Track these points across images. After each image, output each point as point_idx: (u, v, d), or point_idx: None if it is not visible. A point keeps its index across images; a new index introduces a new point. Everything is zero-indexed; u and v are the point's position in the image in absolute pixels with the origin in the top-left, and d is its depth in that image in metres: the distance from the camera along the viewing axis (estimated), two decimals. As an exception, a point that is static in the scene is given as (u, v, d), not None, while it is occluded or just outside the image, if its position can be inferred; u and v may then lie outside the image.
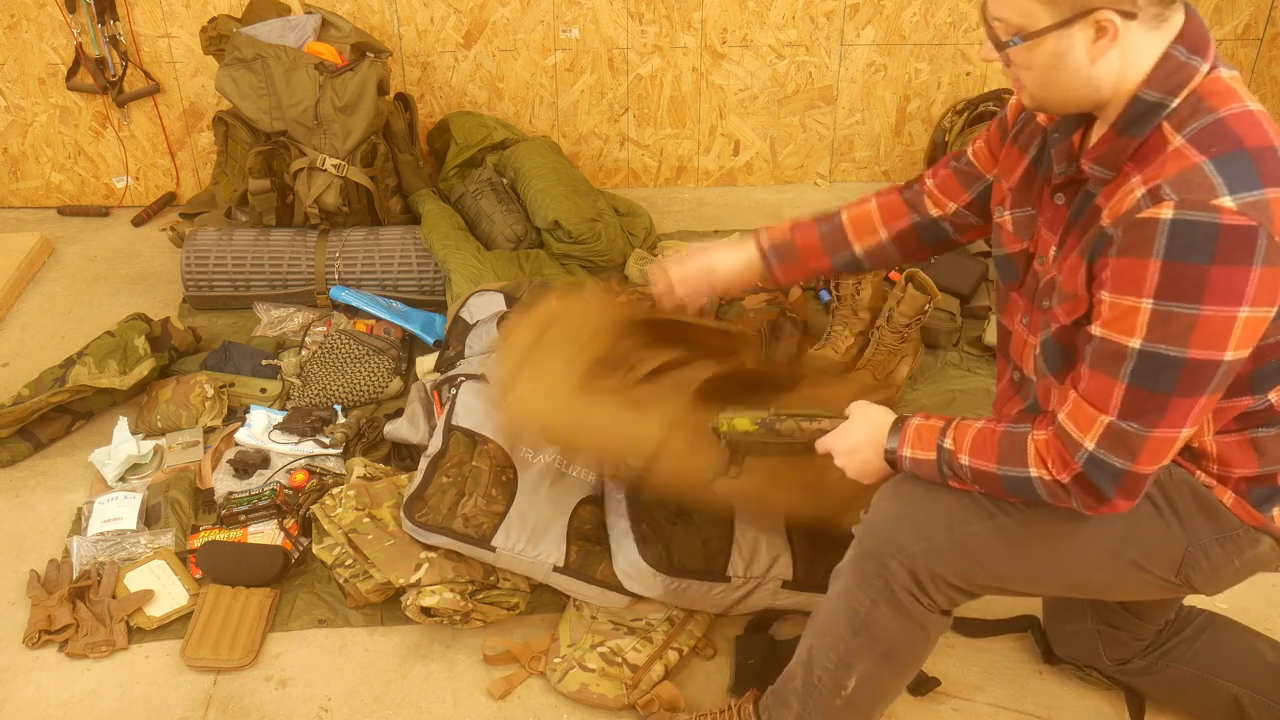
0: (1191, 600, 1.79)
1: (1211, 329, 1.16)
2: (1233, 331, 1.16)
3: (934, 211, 1.62)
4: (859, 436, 1.46)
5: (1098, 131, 1.30)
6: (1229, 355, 1.18)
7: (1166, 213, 1.14)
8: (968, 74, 3.35)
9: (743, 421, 1.51)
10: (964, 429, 1.37)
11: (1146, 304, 1.16)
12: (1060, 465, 1.27)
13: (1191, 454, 1.37)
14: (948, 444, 1.36)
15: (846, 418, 1.48)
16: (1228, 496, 1.37)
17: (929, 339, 2.66)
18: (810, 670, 1.51)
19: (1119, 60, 1.21)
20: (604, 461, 1.79)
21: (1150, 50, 1.21)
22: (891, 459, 1.43)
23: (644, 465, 1.70)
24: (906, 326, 2.49)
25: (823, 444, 1.50)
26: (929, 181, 1.64)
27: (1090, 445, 1.24)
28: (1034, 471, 1.29)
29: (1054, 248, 1.37)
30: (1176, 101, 1.21)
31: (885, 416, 1.45)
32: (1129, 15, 1.17)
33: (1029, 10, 1.20)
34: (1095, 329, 1.23)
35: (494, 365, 1.81)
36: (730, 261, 1.72)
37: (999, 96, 3.11)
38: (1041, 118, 1.43)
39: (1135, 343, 1.18)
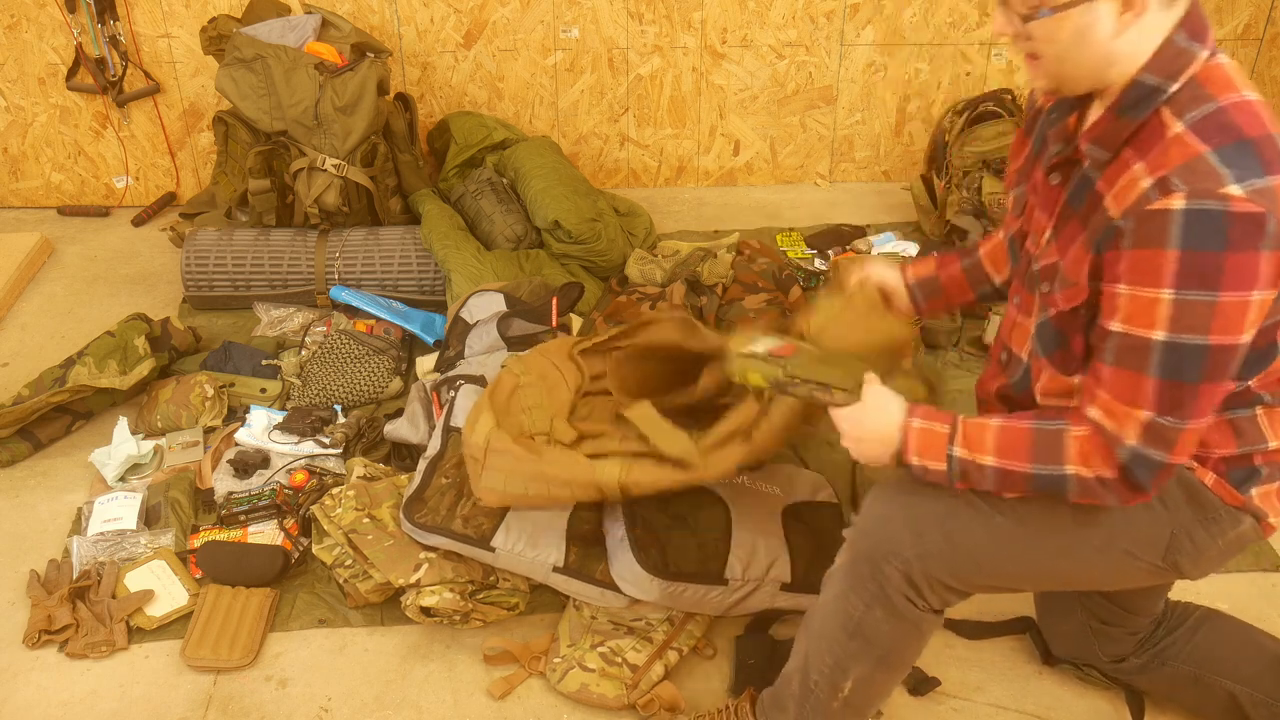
0: (1190, 597, 1.79)
1: (1229, 314, 1.17)
2: (1247, 315, 1.18)
3: None
4: (870, 428, 1.40)
5: (1095, 113, 1.32)
6: (1244, 338, 1.20)
7: (1178, 203, 1.16)
8: (967, 74, 3.35)
9: (755, 377, 1.46)
10: (978, 431, 1.34)
11: (1166, 294, 1.17)
12: (1103, 462, 1.27)
13: None
14: (959, 453, 1.34)
15: (859, 397, 1.41)
16: (1208, 477, 1.38)
17: (929, 339, 2.66)
18: (806, 675, 1.52)
19: (1137, 37, 1.22)
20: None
21: (1157, 32, 1.23)
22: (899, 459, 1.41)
23: (618, 498, 1.77)
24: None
25: (834, 415, 1.44)
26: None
27: (1132, 442, 1.24)
28: (1070, 469, 1.28)
29: (1049, 230, 1.38)
30: (1175, 86, 1.23)
31: (900, 412, 1.39)
32: None
33: None
34: (1114, 325, 1.23)
35: (464, 457, 1.91)
36: (885, 277, 1.73)
37: (999, 97, 3.11)
38: (1041, 99, 1.44)
39: (1160, 335, 1.19)
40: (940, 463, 1.35)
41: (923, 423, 1.37)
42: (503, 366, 2.02)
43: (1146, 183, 1.20)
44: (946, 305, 1.72)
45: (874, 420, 1.40)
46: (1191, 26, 1.23)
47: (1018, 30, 1.27)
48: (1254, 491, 1.39)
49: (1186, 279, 1.16)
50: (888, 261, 1.76)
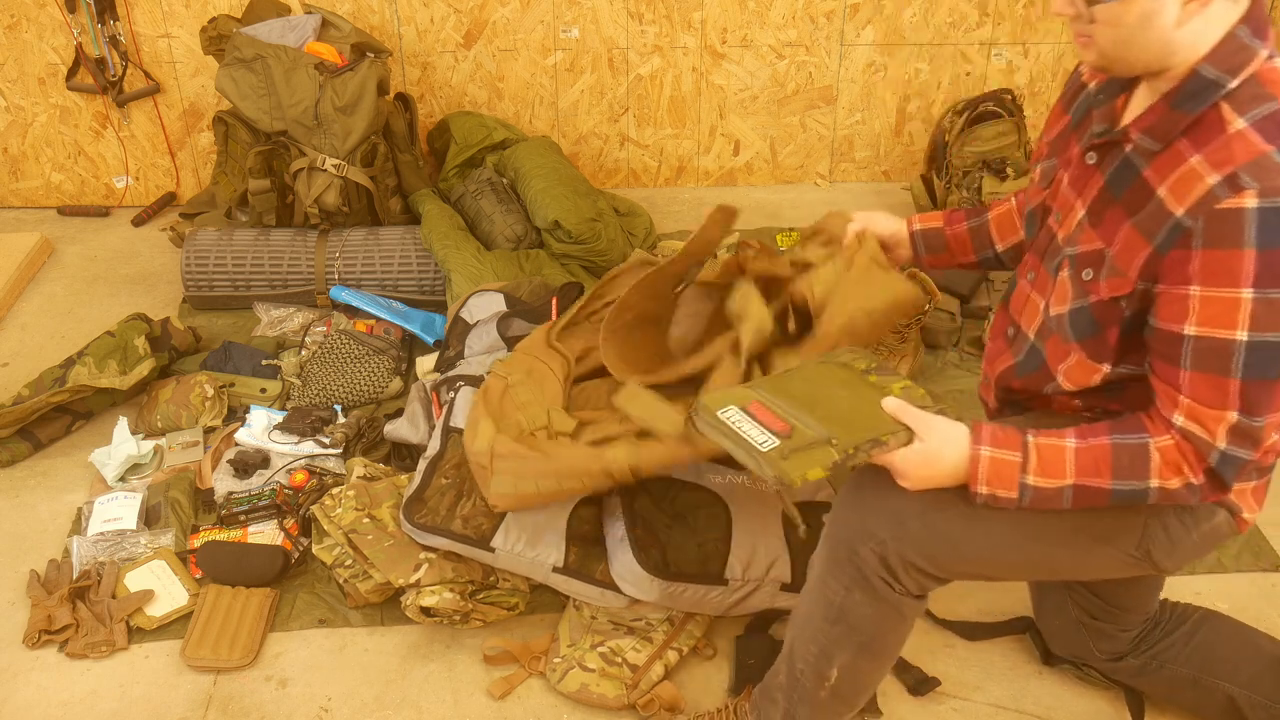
0: (1189, 597, 1.79)
1: None
2: None
3: None
4: (946, 467, 1.33)
5: (1143, 99, 1.31)
6: None
7: (1251, 201, 1.15)
8: (968, 74, 3.35)
9: (815, 471, 1.30)
10: (1054, 455, 1.30)
11: (1246, 294, 1.17)
12: (1193, 467, 1.26)
13: None
14: (1033, 481, 1.30)
15: (911, 431, 1.33)
16: None
17: (929, 339, 2.66)
18: (792, 664, 1.52)
19: (1200, 27, 1.21)
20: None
21: (1220, 25, 1.22)
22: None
23: (630, 480, 1.74)
24: (906, 327, 2.49)
25: (888, 462, 1.34)
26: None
27: (1222, 445, 1.23)
28: (1154, 482, 1.27)
29: (1081, 212, 1.36)
30: (1235, 83, 1.22)
31: (965, 438, 1.33)
32: None
33: None
34: (1189, 328, 1.22)
35: (470, 466, 1.89)
36: (884, 227, 1.71)
37: (999, 97, 3.11)
38: (1086, 75, 1.43)
39: (1242, 335, 1.19)
40: (1011, 491, 1.31)
41: (992, 451, 1.32)
42: (488, 373, 2.01)
43: (1212, 179, 1.19)
44: (948, 261, 1.72)
45: (948, 455, 1.33)
46: (1254, 23, 1.23)
47: (1080, 11, 1.25)
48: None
49: (1265, 277, 1.16)
50: (886, 213, 1.74)
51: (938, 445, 1.33)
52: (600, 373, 2.07)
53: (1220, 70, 1.22)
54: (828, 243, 1.77)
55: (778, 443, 1.30)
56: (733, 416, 1.35)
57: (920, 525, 1.38)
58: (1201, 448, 1.24)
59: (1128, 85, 1.35)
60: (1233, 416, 1.22)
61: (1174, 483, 1.27)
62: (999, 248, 1.67)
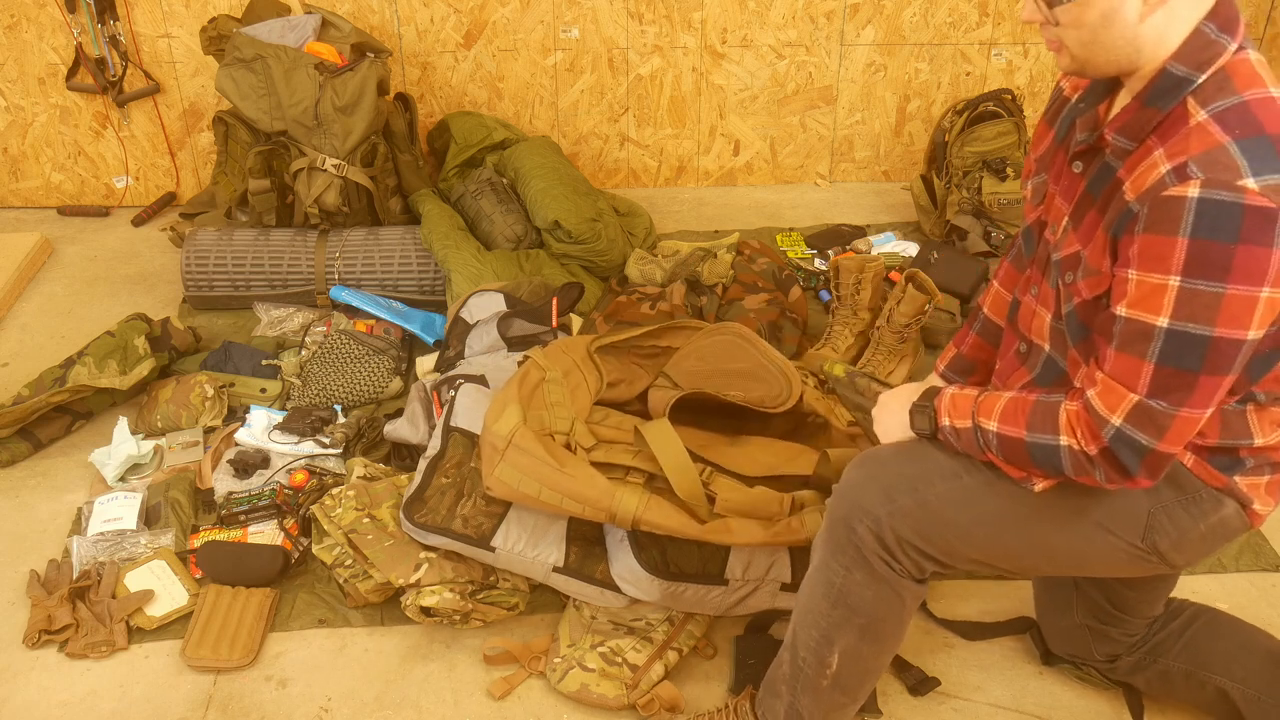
0: (1188, 596, 1.79)
1: (1236, 307, 1.17)
2: (1256, 310, 1.18)
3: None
4: (894, 401, 1.54)
5: (1121, 102, 1.32)
6: (1251, 334, 1.20)
7: (1193, 191, 1.16)
8: (968, 74, 3.35)
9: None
10: (992, 399, 1.39)
11: (1174, 281, 1.18)
12: (1089, 438, 1.28)
13: None
14: (976, 419, 1.39)
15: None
16: (1188, 458, 1.39)
17: (929, 339, 2.66)
18: (795, 653, 1.53)
19: (1163, 23, 1.23)
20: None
21: (1187, 21, 1.23)
22: (928, 425, 1.46)
23: (630, 528, 1.76)
24: (906, 327, 2.49)
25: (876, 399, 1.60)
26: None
27: (1117, 422, 1.25)
28: (1064, 440, 1.30)
29: (1066, 218, 1.38)
30: (1203, 78, 1.23)
31: (919, 388, 1.54)
32: None
33: None
34: (1120, 309, 1.24)
35: (481, 441, 1.90)
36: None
37: (999, 97, 3.11)
38: (1068, 88, 1.45)
39: (1163, 321, 1.20)
40: (966, 420, 1.40)
41: (956, 390, 1.45)
42: (525, 358, 2.01)
43: (1165, 168, 1.20)
44: (985, 371, 1.73)
45: (902, 393, 1.55)
46: (1222, 18, 1.24)
47: (1046, 16, 1.27)
48: (1237, 478, 1.39)
49: (1193, 268, 1.16)
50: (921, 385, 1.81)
51: (897, 391, 1.57)
52: (622, 406, 2.10)
53: (1188, 67, 1.23)
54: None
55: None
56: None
57: (912, 501, 1.40)
58: (1098, 422, 1.26)
59: (1108, 92, 1.36)
60: (1134, 397, 1.23)
61: (1076, 446, 1.29)
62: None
